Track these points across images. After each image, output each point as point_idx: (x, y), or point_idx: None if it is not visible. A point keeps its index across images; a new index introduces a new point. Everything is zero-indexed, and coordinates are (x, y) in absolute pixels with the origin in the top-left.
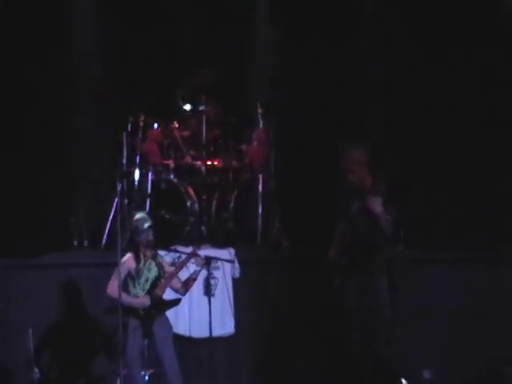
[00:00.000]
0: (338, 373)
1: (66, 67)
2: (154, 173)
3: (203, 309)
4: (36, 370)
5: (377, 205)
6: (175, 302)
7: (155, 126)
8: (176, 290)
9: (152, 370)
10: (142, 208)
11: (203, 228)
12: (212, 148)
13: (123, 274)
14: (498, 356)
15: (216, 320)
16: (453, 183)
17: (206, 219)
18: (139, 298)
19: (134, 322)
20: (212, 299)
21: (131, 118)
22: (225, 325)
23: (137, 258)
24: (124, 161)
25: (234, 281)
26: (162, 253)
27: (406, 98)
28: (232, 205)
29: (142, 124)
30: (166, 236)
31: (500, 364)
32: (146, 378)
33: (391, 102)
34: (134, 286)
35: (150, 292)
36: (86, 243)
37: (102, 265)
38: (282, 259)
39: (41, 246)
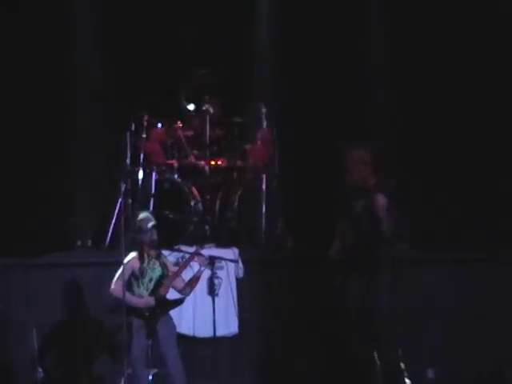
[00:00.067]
0: (341, 372)
1: (66, 67)
2: (157, 172)
3: (207, 308)
4: (40, 369)
5: (380, 204)
6: (179, 302)
7: (159, 125)
8: (179, 290)
9: (156, 370)
10: (145, 208)
11: (207, 228)
12: (216, 148)
13: (127, 273)
14: (498, 356)
15: (220, 320)
16: (453, 183)
17: (209, 219)
18: (144, 298)
19: (138, 322)
20: (216, 299)
21: (133, 118)
22: (228, 324)
23: (141, 258)
24: (128, 160)
25: (238, 280)
26: (165, 252)
27: (406, 98)
28: (236, 204)
29: (145, 124)
30: (169, 236)
31: (500, 364)
32: (150, 377)
33: (391, 102)
34: (138, 286)
35: (153, 292)
36: (89, 243)
37: (105, 264)
38: (286, 259)
39: (44, 245)
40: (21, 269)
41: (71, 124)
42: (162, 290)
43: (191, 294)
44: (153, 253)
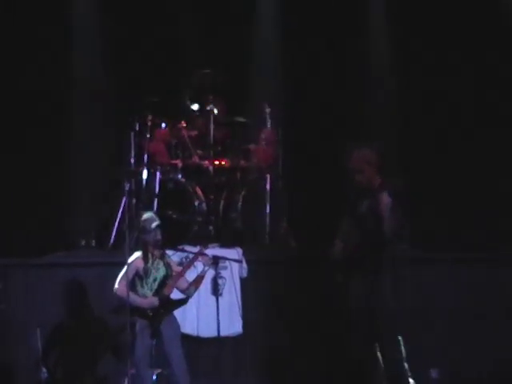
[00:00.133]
0: (344, 373)
1: (66, 67)
2: (161, 172)
3: (211, 308)
4: (44, 369)
5: (384, 203)
6: (183, 302)
7: (163, 125)
8: (182, 291)
9: (160, 370)
10: (149, 208)
11: (211, 228)
12: (220, 148)
13: (131, 273)
14: (498, 356)
15: (224, 320)
16: (453, 183)
17: (213, 219)
18: (148, 298)
19: (141, 322)
20: (220, 299)
21: (137, 118)
22: (232, 324)
23: (145, 258)
24: (132, 160)
25: (242, 280)
26: (169, 252)
27: (406, 98)
28: (240, 204)
29: (149, 124)
30: (173, 236)
31: (500, 364)
32: (154, 377)
33: (392, 102)
34: (142, 286)
35: (157, 292)
36: (93, 243)
37: (109, 264)
38: (290, 259)
39: (48, 245)
40: (24, 269)
41: (73, 124)
42: (165, 290)
43: (195, 294)
44: (157, 253)
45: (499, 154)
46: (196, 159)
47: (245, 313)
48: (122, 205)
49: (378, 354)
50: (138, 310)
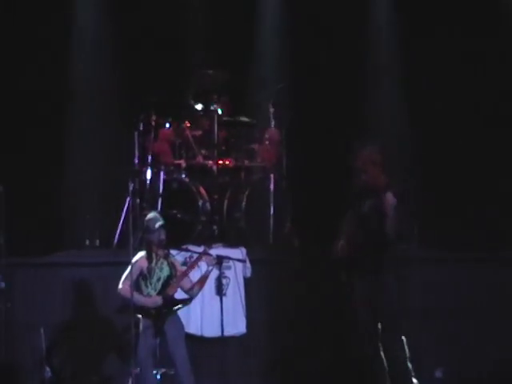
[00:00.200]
0: (349, 372)
1: (66, 67)
2: (165, 172)
3: (215, 308)
4: (48, 368)
5: (389, 203)
6: (187, 302)
7: (167, 125)
8: (186, 291)
9: (164, 370)
10: (153, 207)
11: (215, 227)
12: (223, 147)
13: (135, 273)
14: (499, 356)
15: (228, 319)
16: (453, 183)
17: (217, 219)
18: (151, 297)
19: (145, 322)
20: (224, 299)
21: (141, 118)
22: (236, 324)
23: (149, 258)
24: (136, 160)
25: (246, 280)
26: (173, 252)
27: (408, 98)
28: (244, 204)
29: (153, 123)
30: (177, 235)
31: (500, 364)
32: (158, 377)
33: (392, 101)
34: (146, 286)
35: (161, 291)
36: (97, 243)
37: (113, 264)
38: (294, 259)
39: (52, 245)
40: (29, 268)
41: (76, 124)
42: (169, 290)
43: (199, 294)
44: (161, 252)
45: (499, 154)
46: (200, 159)
47: (249, 312)
48: (126, 205)
49: (382, 353)
50: (141, 310)
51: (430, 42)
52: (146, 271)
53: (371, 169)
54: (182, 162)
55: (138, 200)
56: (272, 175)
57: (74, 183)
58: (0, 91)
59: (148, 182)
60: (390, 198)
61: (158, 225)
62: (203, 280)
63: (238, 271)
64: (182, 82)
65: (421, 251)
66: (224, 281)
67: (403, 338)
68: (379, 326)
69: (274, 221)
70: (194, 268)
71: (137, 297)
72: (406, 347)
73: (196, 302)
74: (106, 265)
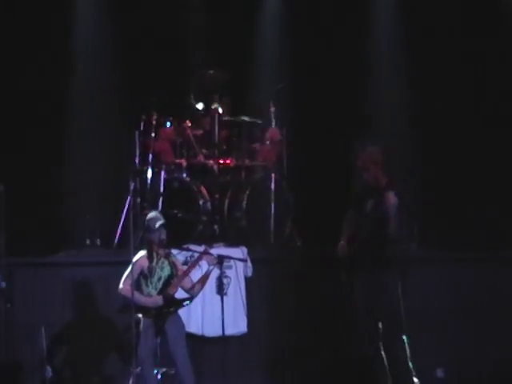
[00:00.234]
0: (350, 372)
1: (66, 67)
2: (166, 171)
3: (216, 308)
4: (48, 368)
5: (391, 203)
6: (187, 301)
7: (168, 124)
8: (187, 290)
9: (164, 369)
10: (154, 207)
11: (216, 227)
12: (224, 147)
13: (136, 272)
14: (499, 356)
15: (228, 319)
16: (453, 183)
17: (218, 218)
18: (152, 297)
19: (146, 321)
20: (225, 298)
21: (142, 117)
22: (237, 324)
23: (149, 257)
24: (137, 159)
25: (247, 280)
26: (174, 251)
27: (409, 98)
28: (244, 204)
29: (154, 123)
30: (178, 235)
31: (500, 364)
32: (159, 376)
33: (392, 101)
34: (147, 285)
35: (162, 291)
36: (98, 242)
37: (114, 263)
38: (295, 258)
39: (53, 245)
40: (29, 268)
41: (77, 123)
42: (170, 290)
43: (200, 293)
44: (162, 252)
45: (499, 154)
46: (201, 158)
47: (250, 312)
48: (127, 204)
49: (383, 353)
50: (142, 309)
51: (430, 42)
52: (146, 271)
53: (372, 168)
54: (183, 162)
55: (138, 199)
56: (273, 174)
57: (74, 183)
58: (0, 91)
59: (149, 181)
60: (391, 197)
61: (158, 224)
62: (204, 279)
63: (238, 271)
64: (182, 82)
65: (421, 251)
66: (225, 280)
67: (404, 337)
68: (380, 325)
69: (275, 220)
70: (194, 267)
71: (137, 296)
72: (406, 347)
73: (197, 301)
74: (107, 264)
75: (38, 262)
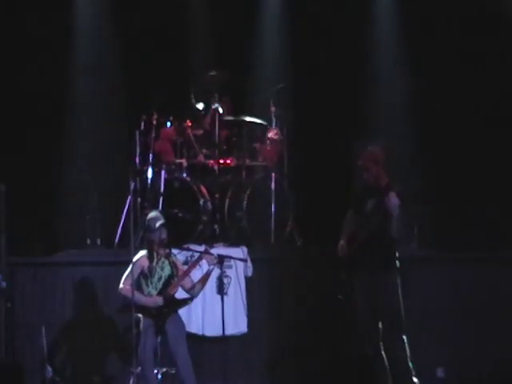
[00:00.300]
0: (350, 372)
1: (66, 67)
2: (166, 171)
3: (216, 307)
4: (49, 368)
5: (393, 203)
6: (187, 301)
7: (168, 124)
8: (187, 290)
9: (165, 369)
10: (154, 206)
11: (216, 226)
12: (225, 147)
13: (136, 272)
14: (499, 356)
15: (229, 319)
16: (453, 183)
17: (218, 218)
18: (152, 297)
19: (146, 321)
20: (225, 298)
21: (143, 117)
22: (238, 324)
23: (150, 257)
24: (137, 159)
25: (247, 279)
26: (174, 251)
27: (406, 98)
28: (245, 203)
29: (155, 122)
30: (178, 234)
31: (500, 364)
32: (160, 376)
33: (391, 101)
34: (147, 285)
35: (162, 291)
36: (98, 242)
37: (115, 263)
38: (295, 258)
39: (53, 244)
40: (30, 268)
41: (76, 123)
42: (170, 289)
43: (200, 293)
44: (162, 252)
45: (499, 154)
46: (201, 158)
47: (250, 312)
48: (127, 204)
49: (383, 353)
50: (142, 309)
51: (430, 42)
52: (147, 270)
53: (373, 168)
54: (184, 161)
55: (139, 199)
56: (273, 174)
57: (74, 183)
58: (0, 91)
59: (149, 180)
60: (393, 198)
61: (159, 224)
62: (204, 279)
63: (239, 270)
64: (182, 82)
65: (421, 251)
66: (225, 280)
67: (404, 337)
68: (380, 325)
69: (276, 220)
70: (195, 267)
71: (138, 296)
72: (406, 347)
73: (197, 301)
74: (107, 264)
75: (38, 262)
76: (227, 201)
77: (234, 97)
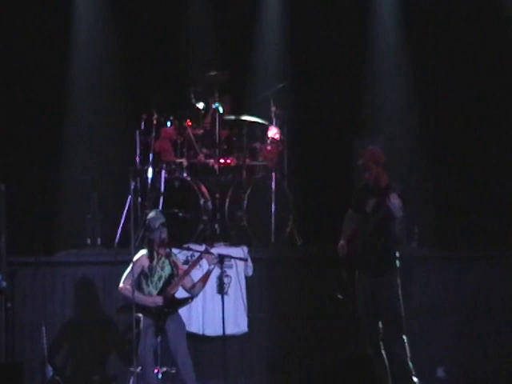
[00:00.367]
0: (350, 371)
1: (66, 67)
2: (167, 171)
3: (216, 307)
4: (49, 367)
5: (395, 203)
6: (187, 301)
7: (168, 124)
8: (187, 290)
9: (165, 368)
10: (155, 206)
11: (216, 226)
12: (225, 146)
13: (136, 272)
14: (501, 355)
15: (229, 318)
16: (453, 183)
17: (219, 217)
18: (152, 296)
19: (146, 321)
20: (225, 297)
21: (143, 116)
22: (238, 323)
23: (150, 256)
24: (137, 159)
25: (248, 279)
26: (175, 251)
27: (407, 98)
28: (245, 203)
29: (155, 122)
30: (179, 234)
31: (503, 363)
32: (160, 376)
33: (392, 101)
34: (147, 284)
35: (162, 290)
36: (99, 241)
37: (115, 263)
38: (296, 257)
39: (54, 244)
40: (30, 267)
41: (76, 123)
42: (171, 289)
43: (200, 293)
44: (162, 251)
45: (500, 154)
46: (202, 158)
47: (250, 311)
48: (128, 203)
49: (383, 353)
50: (142, 308)
51: (430, 42)
52: (147, 270)
53: (374, 168)
54: (184, 161)
55: (139, 199)
56: (274, 174)
57: (74, 183)
58: (0, 91)
59: (149, 180)
60: (395, 199)
61: (159, 223)
62: (205, 279)
63: (239, 270)
64: (182, 82)
65: (421, 251)
66: (225, 279)
67: (404, 337)
68: (380, 325)
69: (276, 220)
70: (195, 267)
71: (138, 296)
72: (406, 347)
73: (197, 300)
74: (108, 264)
75: (38, 262)
76: (227, 200)
77: (234, 97)
